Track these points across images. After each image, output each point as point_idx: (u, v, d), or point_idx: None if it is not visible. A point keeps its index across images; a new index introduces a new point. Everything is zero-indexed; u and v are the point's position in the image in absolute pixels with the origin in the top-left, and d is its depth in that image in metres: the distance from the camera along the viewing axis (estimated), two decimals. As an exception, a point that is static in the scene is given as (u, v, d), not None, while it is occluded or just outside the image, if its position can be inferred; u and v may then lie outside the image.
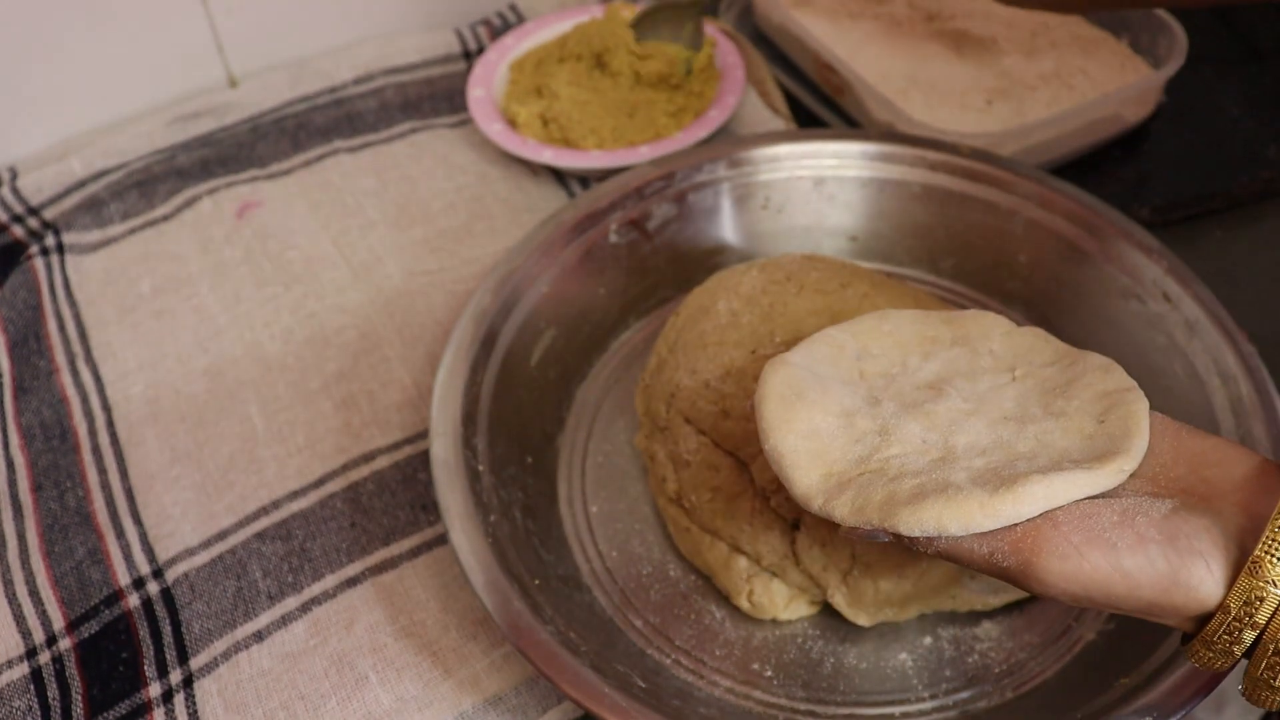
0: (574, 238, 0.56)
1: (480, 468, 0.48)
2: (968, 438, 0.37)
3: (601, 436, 0.55)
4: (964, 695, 0.45)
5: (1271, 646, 0.32)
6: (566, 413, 0.55)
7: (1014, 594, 0.47)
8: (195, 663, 0.47)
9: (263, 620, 0.48)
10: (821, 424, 0.39)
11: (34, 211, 0.66)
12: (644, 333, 0.59)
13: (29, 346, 0.60)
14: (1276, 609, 0.32)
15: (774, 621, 0.48)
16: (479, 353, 0.51)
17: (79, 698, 0.47)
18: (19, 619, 0.49)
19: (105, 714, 0.46)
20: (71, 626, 0.49)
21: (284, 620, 0.48)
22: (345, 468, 0.53)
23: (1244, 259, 0.63)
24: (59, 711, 0.46)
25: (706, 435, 0.49)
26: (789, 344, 0.48)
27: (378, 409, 0.55)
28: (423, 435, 0.54)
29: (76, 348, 0.59)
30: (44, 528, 0.52)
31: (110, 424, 0.56)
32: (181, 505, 0.52)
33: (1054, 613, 0.47)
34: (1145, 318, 0.53)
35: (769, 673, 0.46)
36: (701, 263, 0.60)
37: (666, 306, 0.60)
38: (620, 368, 0.57)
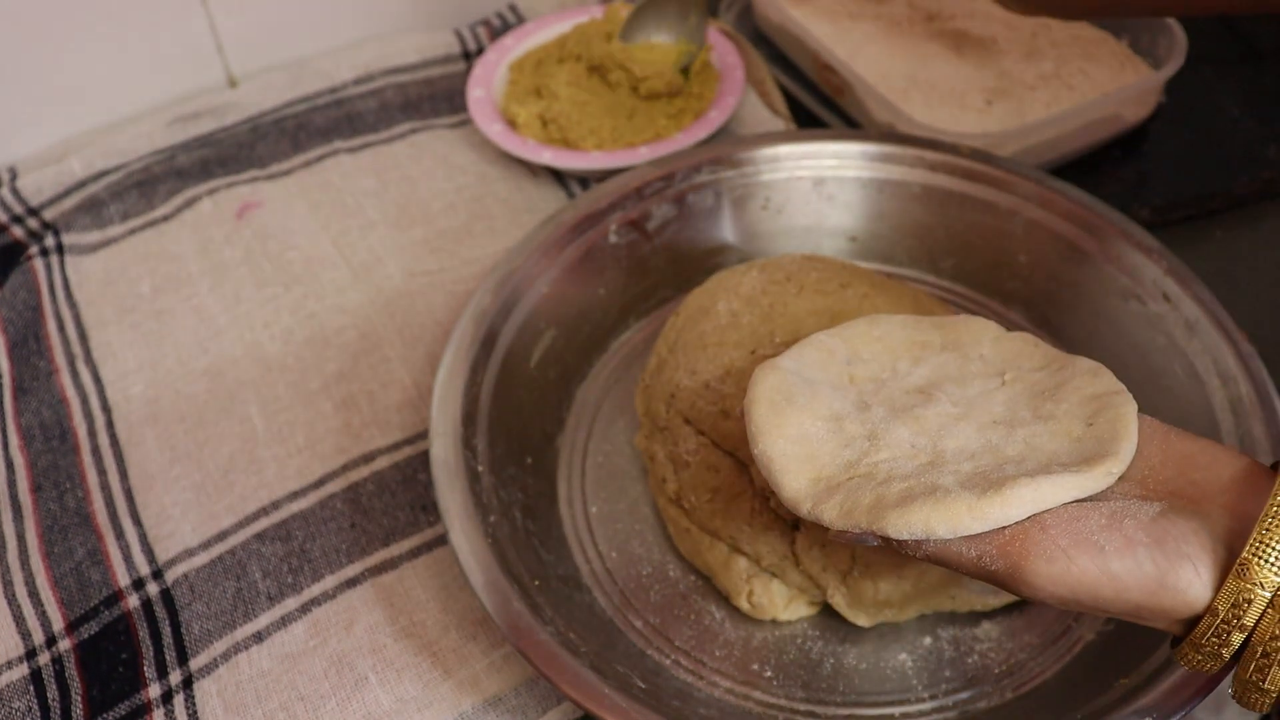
0: (574, 238, 0.56)
1: (480, 468, 0.48)
2: (956, 442, 0.38)
3: (601, 437, 0.55)
4: (964, 696, 0.45)
5: (1260, 649, 0.32)
6: (566, 413, 0.55)
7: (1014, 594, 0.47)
8: (195, 663, 0.47)
9: (262, 621, 0.48)
10: (811, 429, 0.39)
11: (34, 212, 0.66)
12: (644, 333, 0.59)
13: (29, 347, 0.60)
14: (1264, 611, 0.32)
15: (774, 622, 0.48)
16: (479, 353, 0.51)
17: (79, 699, 0.47)
18: (18, 620, 0.49)
19: (105, 715, 0.46)
20: (71, 627, 0.49)
21: (284, 621, 0.48)
22: (345, 468, 0.53)
23: (1244, 259, 0.62)
24: (59, 712, 0.46)
25: (706, 436, 0.49)
26: (789, 344, 0.48)
27: (378, 409, 0.55)
28: (423, 436, 0.54)
29: (76, 348, 0.59)
30: (43, 528, 0.52)
31: (110, 424, 0.56)
32: (181, 506, 0.52)
33: (1054, 613, 0.47)
34: (1145, 318, 0.53)
35: (769, 673, 0.46)
36: (701, 263, 0.60)
37: (666, 307, 0.60)
38: (620, 368, 0.57)
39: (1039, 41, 0.69)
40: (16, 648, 0.49)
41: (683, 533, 0.49)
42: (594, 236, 0.57)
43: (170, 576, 0.50)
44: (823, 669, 0.46)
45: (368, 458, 0.53)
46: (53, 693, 0.47)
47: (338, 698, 0.46)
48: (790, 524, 0.46)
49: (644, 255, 0.59)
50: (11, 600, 0.50)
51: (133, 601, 0.49)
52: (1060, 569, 0.33)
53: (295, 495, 0.52)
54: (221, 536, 0.51)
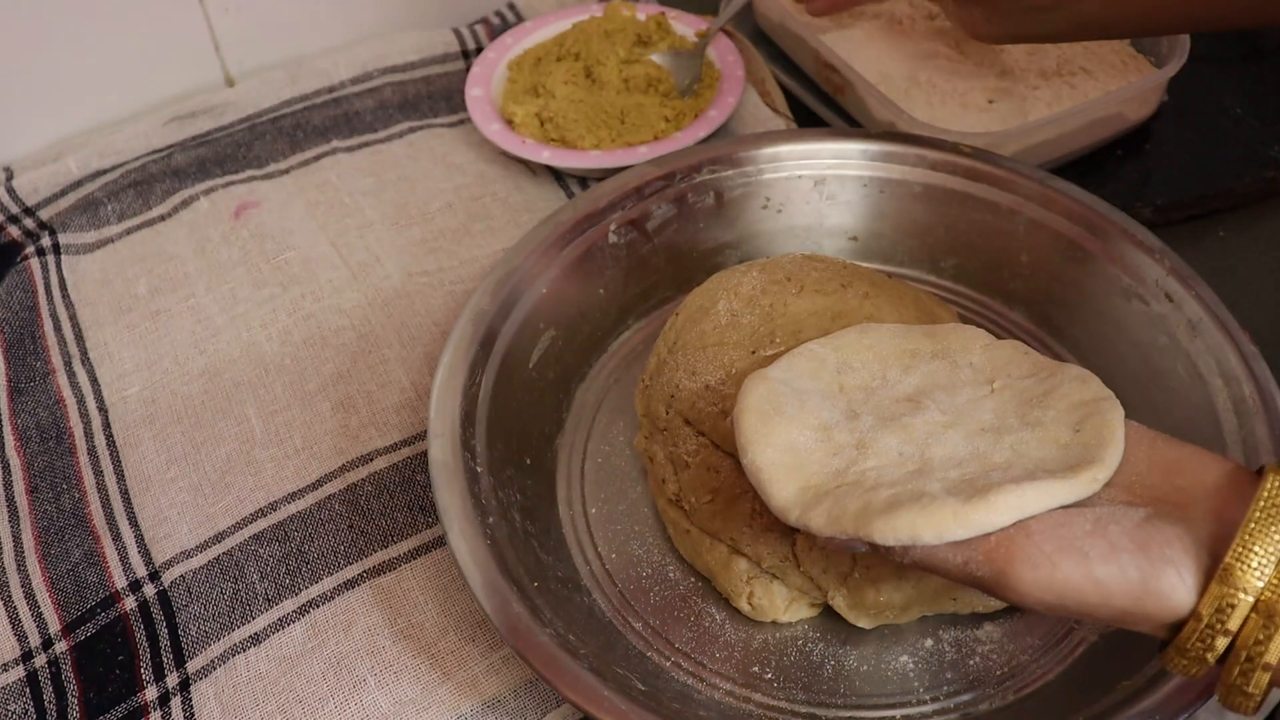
0: (573, 238, 0.56)
1: (479, 469, 0.48)
2: (944, 450, 0.38)
3: (601, 438, 0.54)
4: (965, 698, 0.45)
5: (1244, 653, 0.32)
6: (565, 414, 0.55)
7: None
8: (192, 666, 0.47)
9: (260, 623, 0.48)
10: (799, 438, 0.39)
11: (30, 212, 0.66)
12: (644, 333, 0.59)
13: (25, 348, 0.59)
14: (1247, 616, 0.32)
15: (774, 624, 0.48)
16: (478, 354, 0.51)
17: (75, 701, 0.46)
18: (15, 622, 0.49)
19: (102, 718, 0.46)
20: (68, 630, 0.49)
21: (281, 623, 0.48)
22: (343, 469, 0.53)
23: (1247, 259, 0.62)
24: (55, 715, 0.46)
25: (706, 436, 0.48)
26: (789, 345, 0.48)
27: (376, 410, 0.55)
28: (421, 437, 0.54)
29: (73, 349, 0.59)
30: (40, 530, 0.52)
31: (107, 425, 0.56)
32: (178, 507, 0.52)
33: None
34: (1148, 318, 0.52)
35: (769, 675, 0.46)
36: (701, 263, 0.60)
37: (666, 307, 0.59)
38: (620, 368, 0.57)
39: (1040, 40, 0.69)
40: (13, 650, 0.48)
41: (683, 534, 0.49)
42: (593, 236, 0.56)
43: (167, 578, 0.49)
44: (824, 671, 0.46)
45: (366, 459, 0.53)
46: (49, 695, 0.47)
47: (336, 700, 0.45)
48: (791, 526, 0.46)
49: (644, 255, 0.58)
50: (8, 602, 0.50)
51: (129, 603, 0.49)
52: (1045, 575, 0.33)
53: (293, 496, 0.52)
54: (219, 538, 0.51)
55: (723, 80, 0.68)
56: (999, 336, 0.44)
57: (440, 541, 0.50)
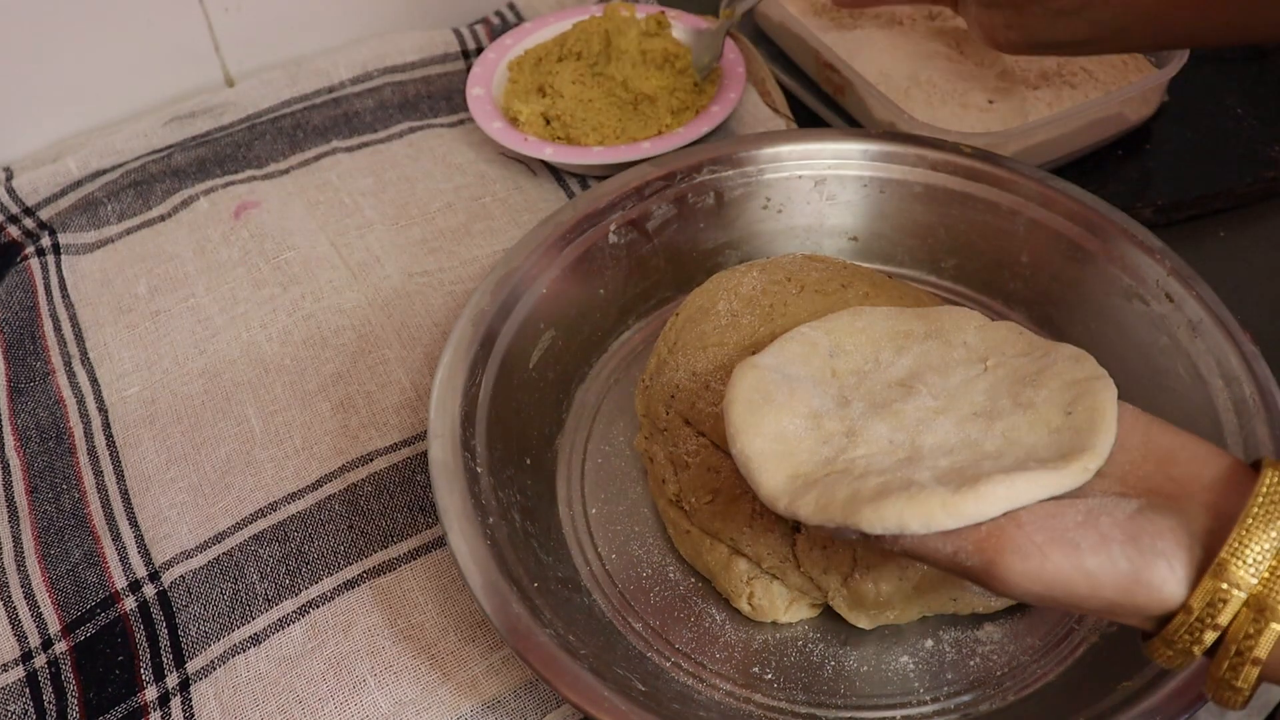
0: (573, 238, 0.56)
1: (479, 469, 0.48)
2: (935, 437, 0.38)
3: (601, 438, 0.54)
4: (966, 698, 0.45)
5: (1233, 647, 0.32)
6: (565, 414, 0.55)
7: (1016, 597, 0.47)
8: (192, 666, 0.47)
9: (260, 623, 0.48)
10: (789, 427, 0.39)
11: (30, 212, 0.66)
12: (643, 333, 0.59)
13: (25, 348, 0.59)
14: (1239, 611, 0.32)
15: (774, 624, 0.47)
16: (478, 354, 0.51)
17: (75, 702, 0.46)
18: (14, 622, 0.49)
19: (101, 718, 0.46)
20: (67, 630, 0.49)
21: (281, 623, 0.48)
22: (343, 469, 0.53)
23: (1247, 259, 0.62)
24: (55, 715, 0.46)
25: (706, 437, 0.48)
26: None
27: (376, 410, 0.55)
28: (421, 437, 0.54)
29: (73, 349, 0.59)
30: (39, 530, 0.52)
31: (106, 425, 0.56)
32: (178, 508, 0.52)
33: (1056, 615, 0.47)
34: (1148, 318, 0.52)
35: (769, 676, 0.46)
36: (701, 263, 0.59)
37: (666, 307, 0.59)
38: (620, 368, 0.57)
39: (1040, 40, 0.69)
40: (12, 650, 0.48)
41: (683, 534, 0.49)
42: (594, 236, 0.56)
43: (167, 579, 0.49)
44: (824, 671, 0.46)
45: (366, 459, 0.53)
46: (49, 696, 0.47)
47: (336, 700, 0.45)
48: (791, 526, 0.46)
49: (644, 255, 0.58)
50: (7, 602, 0.50)
51: (129, 604, 0.49)
52: (1035, 565, 0.33)
53: (293, 497, 0.52)
54: (218, 538, 0.51)
55: (724, 77, 0.68)
56: None
57: (440, 542, 0.50)
